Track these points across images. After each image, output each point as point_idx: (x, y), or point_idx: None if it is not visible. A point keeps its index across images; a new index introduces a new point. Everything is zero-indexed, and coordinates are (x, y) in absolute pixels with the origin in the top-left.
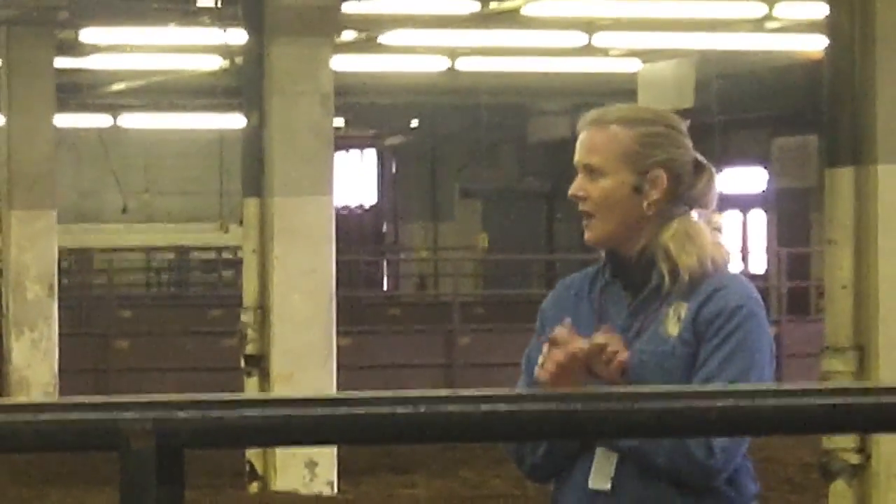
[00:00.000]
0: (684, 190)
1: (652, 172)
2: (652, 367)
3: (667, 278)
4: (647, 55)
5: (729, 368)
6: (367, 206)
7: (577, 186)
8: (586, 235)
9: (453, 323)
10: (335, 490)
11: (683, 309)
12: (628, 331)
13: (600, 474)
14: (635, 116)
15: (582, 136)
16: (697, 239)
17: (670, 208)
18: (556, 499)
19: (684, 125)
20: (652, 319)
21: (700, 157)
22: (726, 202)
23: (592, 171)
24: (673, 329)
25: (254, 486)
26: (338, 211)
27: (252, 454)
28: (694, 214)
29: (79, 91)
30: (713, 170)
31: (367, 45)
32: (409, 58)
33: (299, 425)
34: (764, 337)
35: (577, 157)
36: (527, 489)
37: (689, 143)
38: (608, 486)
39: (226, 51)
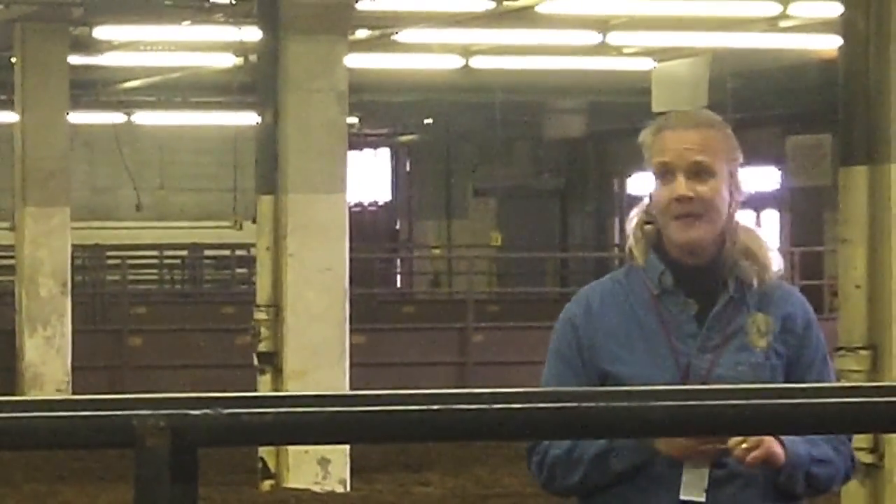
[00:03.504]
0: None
1: (736, 175)
2: (750, 379)
3: (745, 287)
4: (661, 54)
5: (826, 374)
6: (381, 203)
7: (688, 187)
8: (689, 234)
9: (467, 321)
10: (348, 488)
11: (764, 320)
12: (706, 341)
13: (693, 486)
14: (716, 119)
15: (678, 137)
16: (766, 245)
17: (735, 213)
18: None
19: None
20: (735, 330)
21: None
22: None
23: (699, 172)
24: (759, 340)
25: (267, 484)
26: (352, 208)
27: (265, 452)
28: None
29: (93, 88)
30: None
31: (381, 42)
32: (424, 56)
33: (313, 424)
34: None
35: (674, 157)
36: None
37: None
38: (703, 497)
39: (240, 48)
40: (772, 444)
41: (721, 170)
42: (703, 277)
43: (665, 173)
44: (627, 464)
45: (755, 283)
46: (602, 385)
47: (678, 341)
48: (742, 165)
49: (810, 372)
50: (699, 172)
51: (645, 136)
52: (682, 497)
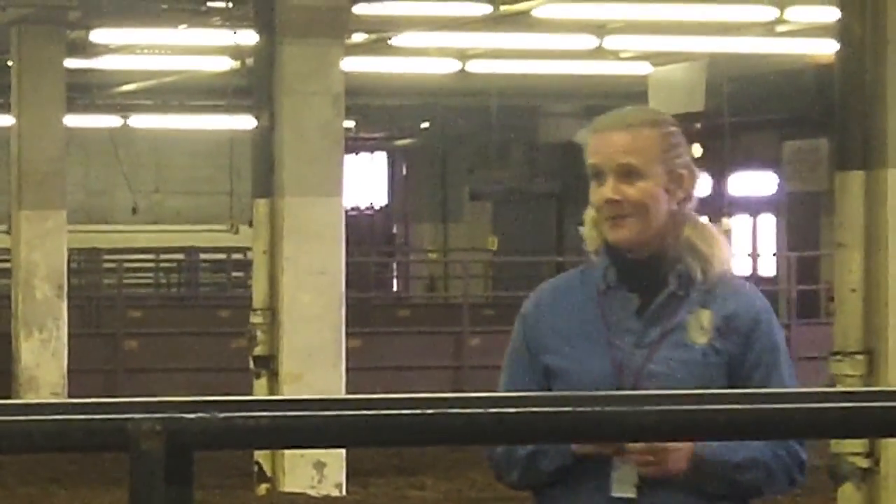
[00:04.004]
0: (693, 191)
1: (676, 172)
2: (683, 376)
3: (688, 281)
4: (657, 58)
5: (776, 375)
6: (377, 207)
7: (615, 189)
8: (619, 234)
9: (462, 325)
10: (343, 491)
11: (706, 316)
12: (643, 336)
13: (623, 482)
14: (655, 118)
15: (607, 139)
16: (717, 241)
17: (684, 210)
18: None
19: None
20: (674, 326)
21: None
22: (736, 205)
23: (629, 173)
24: (699, 337)
25: (262, 488)
26: (348, 212)
27: (261, 455)
28: (703, 217)
29: (89, 91)
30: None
31: (378, 46)
32: (420, 60)
33: (308, 428)
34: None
35: (602, 159)
36: None
37: None
38: (633, 493)
39: (236, 51)
40: (673, 462)
41: (654, 170)
42: (647, 273)
43: (597, 175)
44: (554, 465)
45: (699, 278)
46: (545, 378)
47: (616, 336)
48: (687, 164)
49: (755, 374)
50: (628, 174)
51: (581, 137)
52: (613, 494)
